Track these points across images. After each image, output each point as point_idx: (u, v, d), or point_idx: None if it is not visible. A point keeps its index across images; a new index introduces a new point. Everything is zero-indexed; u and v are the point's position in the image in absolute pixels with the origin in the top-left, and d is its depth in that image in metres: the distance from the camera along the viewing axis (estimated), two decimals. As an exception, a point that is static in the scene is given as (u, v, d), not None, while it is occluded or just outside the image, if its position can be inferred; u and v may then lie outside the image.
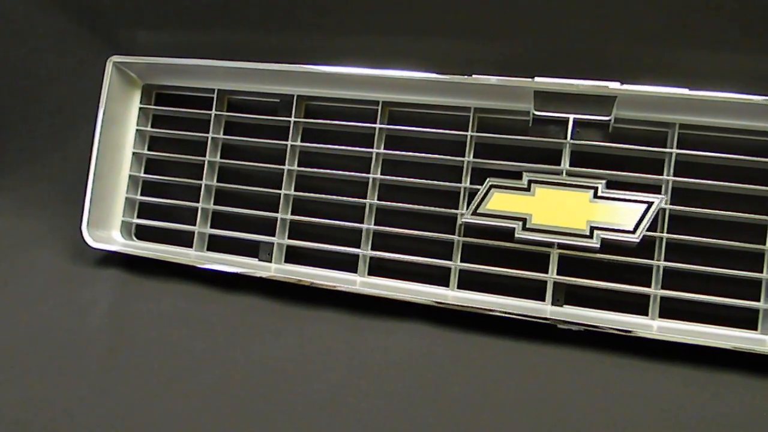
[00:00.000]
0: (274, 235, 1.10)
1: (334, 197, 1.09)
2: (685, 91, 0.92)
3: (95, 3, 1.28)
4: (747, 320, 0.94)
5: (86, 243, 1.14)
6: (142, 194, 1.20)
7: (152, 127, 1.21)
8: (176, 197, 1.17)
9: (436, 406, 0.86)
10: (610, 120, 0.97)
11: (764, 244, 0.93)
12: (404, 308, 1.00)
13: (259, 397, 0.88)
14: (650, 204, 0.93)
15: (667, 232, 0.95)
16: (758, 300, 0.93)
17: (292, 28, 1.17)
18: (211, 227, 1.15)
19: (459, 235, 1.02)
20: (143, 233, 1.20)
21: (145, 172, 1.20)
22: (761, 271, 0.93)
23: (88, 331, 1.01)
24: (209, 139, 1.14)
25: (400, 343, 0.96)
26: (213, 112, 1.14)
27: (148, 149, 1.21)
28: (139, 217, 1.20)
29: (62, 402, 0.86)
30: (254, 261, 1.11)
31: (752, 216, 0.94)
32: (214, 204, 1.15)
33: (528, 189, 0.97)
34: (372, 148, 1.06)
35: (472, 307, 0.97)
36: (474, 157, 1.02)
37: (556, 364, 0.92)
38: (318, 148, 1.11)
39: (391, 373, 0.91)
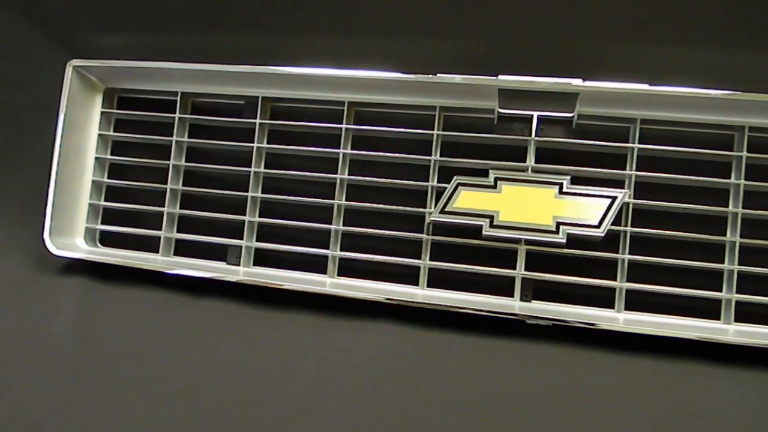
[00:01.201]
0: (241, 238, 1.09)
1: (302, 199, 1.08)
2: (645, 86, 0.94)
3: (54, 7, 1.25)
4: (711, 311, 0.96)
5: (49, 251, 1.11)
6: (105, 200, 1.18)
7: (115, 131, 1.18)
8: (141, 202, 1.15)
9: (407, 405, 0.86)
10: (573, 116, 0.98)
11: (725, 235, 0.95)
12: (374, 308, 1.00)
13: (230, 401, 0.87)
14: (614, 198, 0.94)
15: (631, 226, 0.96)
16: (721, 290, 0.95)
17: (256, 30, 1.16)
18: (178, 231, 1.14)
19: (427, 234, 1.02)
20: (108, 239, 1.18)
21: (108, 178, 1.18)
22: (723, 262, 0.95)
23: (53, 341, 1.00)
24: (173, 142, 1.12)
25: (370, 343, 0.97)
26: (177, 115, 1.12)
27: (111, 154, 1.18)
28: (103, 223, 1.18)
29: (29, 414, 0.85)
30: (222, 265, 1.10)
31: (713, 208, 0.96)
32: (180, 208, 1.14)
33: (494, 186, 0.98)
34: (339, 148, 1.06)
35: (441, 305, 0.98)
36: (440, 155, 1.03)
37: (525, 359, 0.93)
38: (284, 149, 1.10)
39: (362, 374, 0.91)
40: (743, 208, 0.94)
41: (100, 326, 1.03)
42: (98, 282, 1.13)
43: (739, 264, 0.94)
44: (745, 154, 0.94)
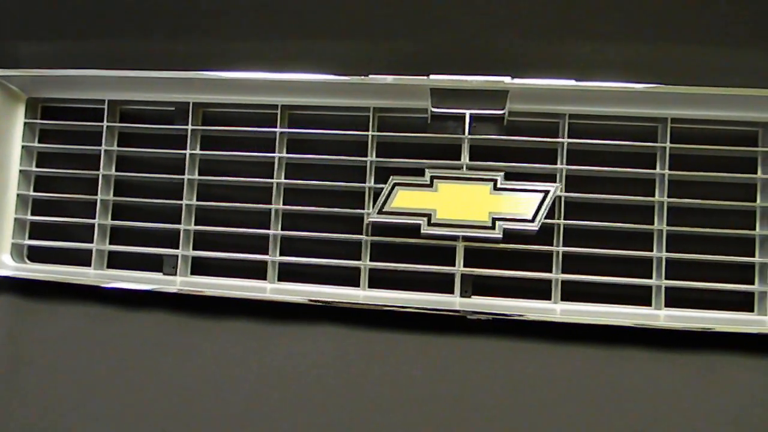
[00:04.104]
0: (177, 248, 1.07)
1: (238, 204, 1.06)
2: (572, 82, 0.96)
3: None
4: (644, 298, 0.99)
5: (-27, 269, 1.07)
6: (32, 213, 1.13)
7: (40, 142, 1.14)
8: (70, 215, 1.11)
9: (352, 408, 0.86)
10: (504, 113, 1.00)
11: (653, 224, 0.98)
12: (316, 311, 1.00)
13: (171, 415, 0.85)
14: (547, 192, 0.97)
15: (564, 219, 0.98)
16: (651, 278, 0.98)
17: (184, 34, 1.14)
18: (111, 243, 1.10)
19: (367, 235, 1.02)
20: (36, 255, 1.13)
21: (34, 190, 1.14)
22: (652, 250, 0.98)
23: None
24: (102, 151, 1.09)
25: (313, 347, 0.96)
26: (105, 123, 1.09)
27: (37, 166, 1.14)
28: (30, 237, 1.13)
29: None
30: (158, 275, 1.07)
31: (641, 198, 0.99)
32: (112, 219, 1.10)
33: (431, 185, 0.99)
34: (273, 152, 1.05)
35: (383, 306, 0.98)
36: (376, 156, 1.03)
37: (467, 354, 0.94)
38: (218, 155, 1.08)
39: (306, 378, 0.91)
40: (669, 197, 0.98)
41: (32, 345, 0.99)
42: (28, 299, 1.08)
43: (667, 251, 0.97)
44: (668, 144, 0.98)
